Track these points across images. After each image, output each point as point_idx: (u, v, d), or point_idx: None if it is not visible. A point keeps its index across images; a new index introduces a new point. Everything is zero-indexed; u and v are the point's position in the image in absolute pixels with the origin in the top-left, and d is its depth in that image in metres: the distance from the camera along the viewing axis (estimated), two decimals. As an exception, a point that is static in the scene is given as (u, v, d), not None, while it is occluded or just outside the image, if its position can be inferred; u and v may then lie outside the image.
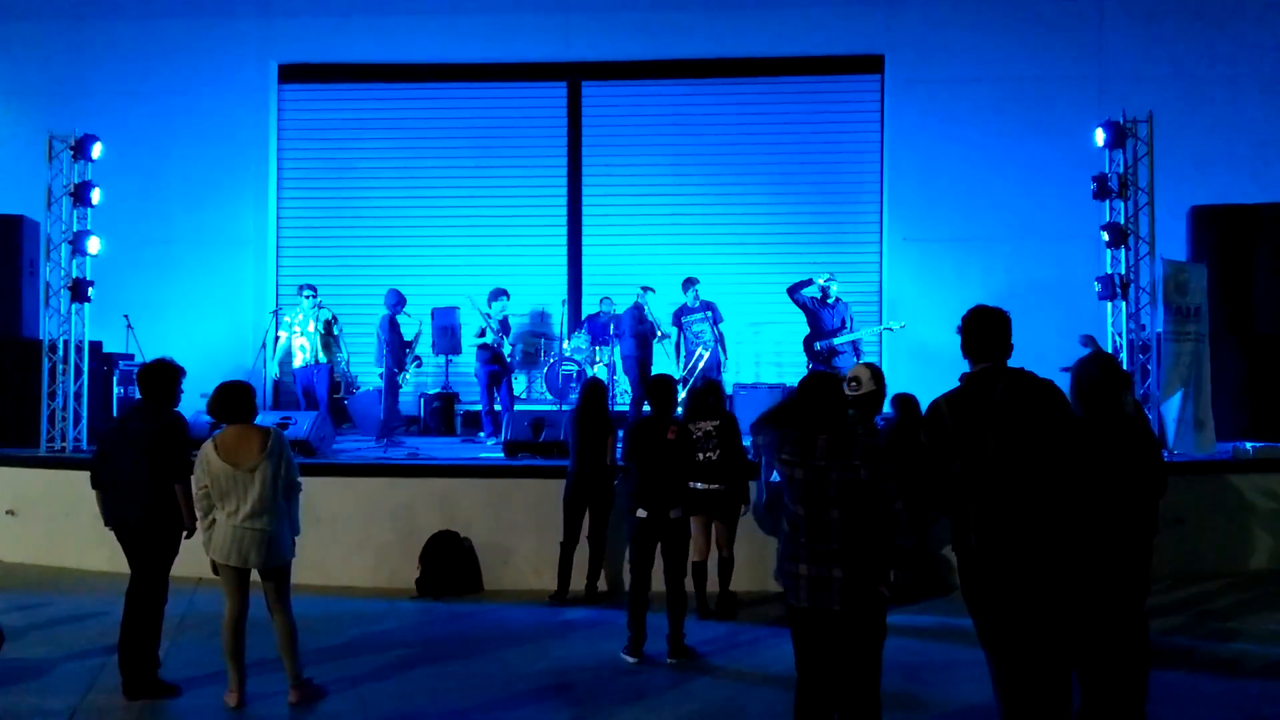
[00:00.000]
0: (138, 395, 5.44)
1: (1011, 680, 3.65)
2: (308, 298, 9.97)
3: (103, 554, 6.12)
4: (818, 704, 3.71)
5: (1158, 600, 6.47)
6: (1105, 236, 8.56)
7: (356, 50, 11.64)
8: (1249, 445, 8.19)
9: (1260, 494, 7.70)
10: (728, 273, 11.39)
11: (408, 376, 10.15)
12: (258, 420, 5.05)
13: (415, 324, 10.39)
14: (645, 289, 10.03)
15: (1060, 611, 3.70)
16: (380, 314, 10.10)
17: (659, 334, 10.02)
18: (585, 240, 11.81)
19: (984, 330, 3.82)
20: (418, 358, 10.35)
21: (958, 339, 3.88)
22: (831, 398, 3.77)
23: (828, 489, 3.63)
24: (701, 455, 6.33)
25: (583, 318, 11.05)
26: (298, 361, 9.92)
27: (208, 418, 5.18)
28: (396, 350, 9.95)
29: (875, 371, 4.55)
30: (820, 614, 3.63)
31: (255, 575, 4.91)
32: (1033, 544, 3.63)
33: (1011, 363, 3.84)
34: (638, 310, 9.93)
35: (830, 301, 9.74)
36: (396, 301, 10.10)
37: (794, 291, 9.82)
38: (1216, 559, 7.52)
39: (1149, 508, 4.32)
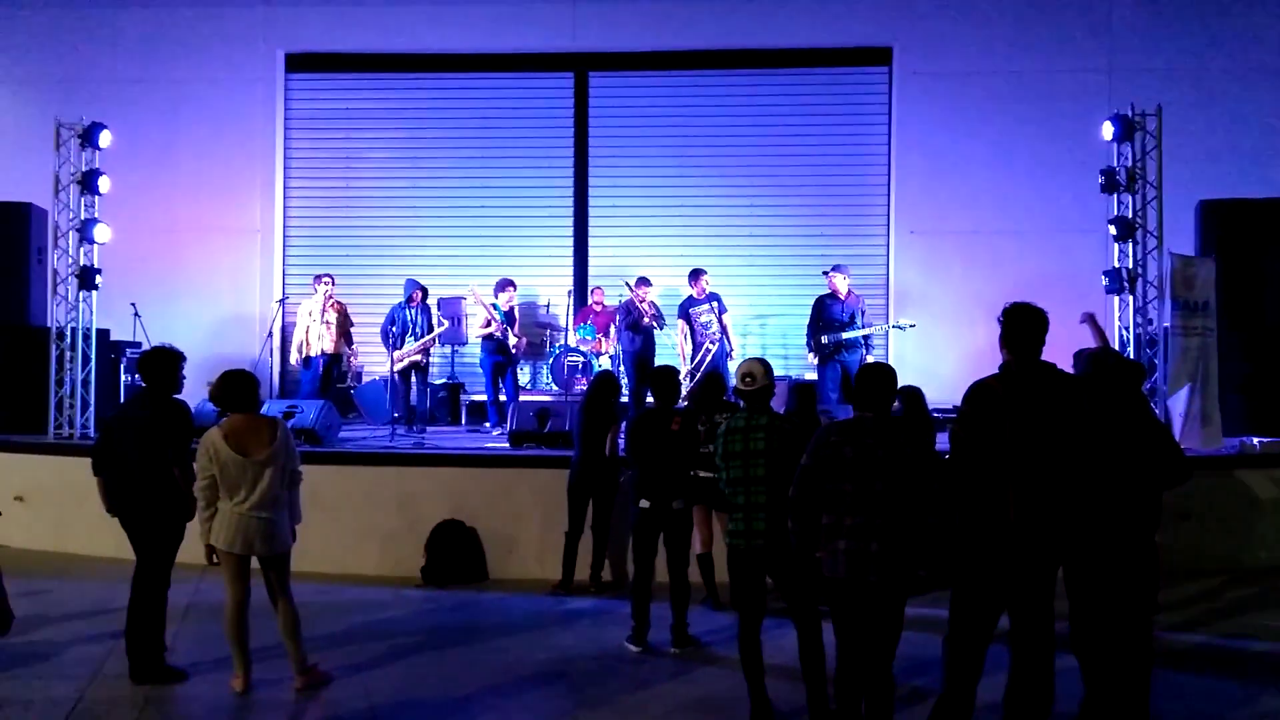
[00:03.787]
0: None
1: (971, 635, 4.08)
2: (326, 285, 9.93)
3: (109, 540, 6.14)
4: (856, 672, 4.03)
5: (1163, 595, 6.47)
6: (1113, 230, 8.54)
7: (364, 39, 11.63)
8: (1256, 440, 8.16)
9: (1267, 489, 7.67)
10: (734, 264, 11.37)
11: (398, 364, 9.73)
12: (266, 409, 5.06)
13: (416, 315, 9.93)
14: (641, 280, 9.86)
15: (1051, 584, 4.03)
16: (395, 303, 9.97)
17: (649, 321, 9.74)
18: (591, 231, 11.81)
19: (1025, 325, 4.12)
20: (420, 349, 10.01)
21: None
22: (885, 385, 4.12)
23: (875, 464, 3.95)
24: (706, 447, 6.30)
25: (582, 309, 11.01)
26: (313, 350, 9.87)
27: (213, 406, 5.20)
28: (398, 340, 9.84)
29: (767, 367, 4.79)
30: (857, 585, 3.95)
31: (255, 563, 4.93)
32: (1064, 522, 4.00)
33: None
34: (628, 303, 9.88)
35: (842, 295, 9.66)
36: (410, 292, 9.95)
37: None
38: (1223, 554, 7.50)
39: (1157, 501, 4.32)
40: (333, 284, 9.98)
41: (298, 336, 9.97)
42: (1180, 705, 4.75)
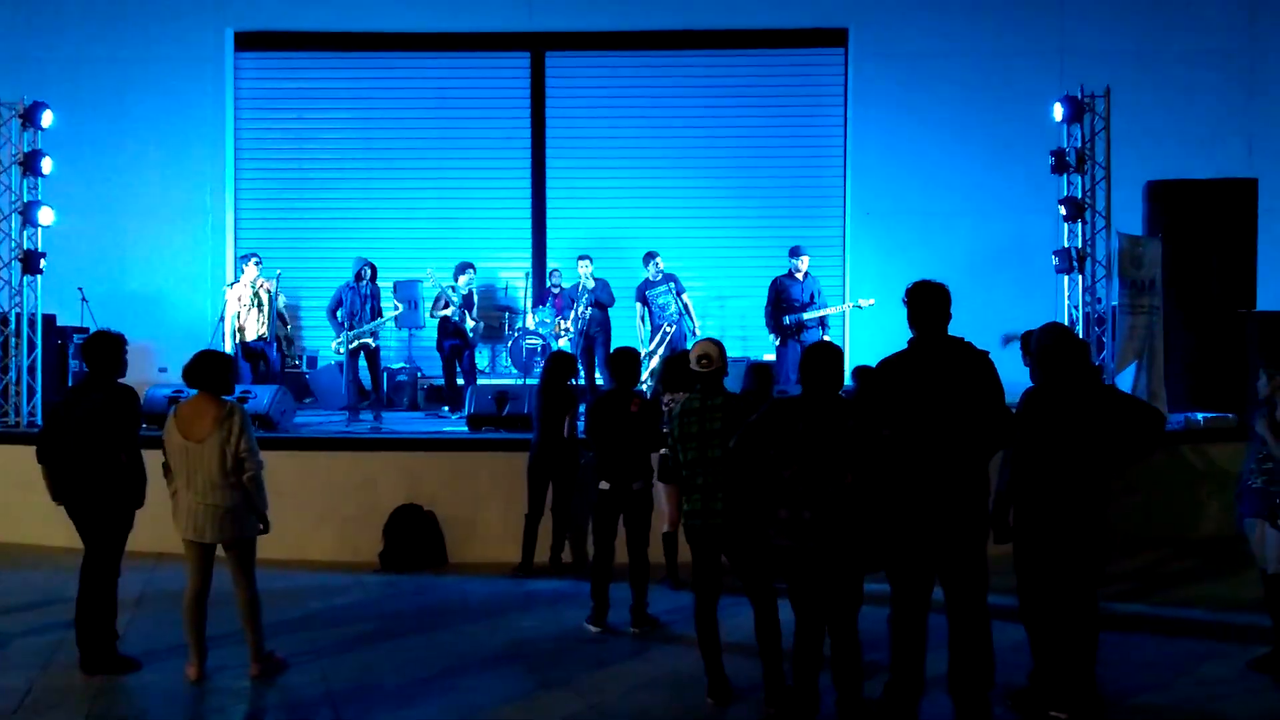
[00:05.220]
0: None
1: (909, 611, 4.17)
2: (256, 265, 9.67)
3: (59, 529, 6.04)
4: (814, 647, 4.11)
5: (1109, 567, 6.63)
6: (1063, 210, 8.68)
7: (315, 18, 11.38)
8: (1200, 416, 8.38)
9: (1210, 463, 7.89)
10: (693, 245, 11.39)
11: (339, 348, 9.51)
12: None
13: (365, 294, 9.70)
14: (582, 258, 10.00)
15: (970, 553, 4.12)
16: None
17: (575, 305, 9.86)
18: (549, 213, 11.74)
19: (927, 302, 4.19)
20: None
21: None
22: (833, 366, 4.13)
23: (825, 437, 4.01)
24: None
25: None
26: (248, 335, 9.60)
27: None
28: (343, 320, 9.58)
29: (722, 348, 4.86)
30: (819, 555, 4.00)
31: (221, 550, 4.87)
32: (958, 494, 4.07)
33: (975, 332, 4.29)
34: (571, 288, 9.99)
35: (800, 276, 9.74)
36: (356, 269, 9.74)
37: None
38: (1167, 526, 7.71)
39: (1105, 474, 4.36)
40: (260, 263, 9.71)
41: (230, 322, 9.70)
42: (1124, 674, 4.87)
